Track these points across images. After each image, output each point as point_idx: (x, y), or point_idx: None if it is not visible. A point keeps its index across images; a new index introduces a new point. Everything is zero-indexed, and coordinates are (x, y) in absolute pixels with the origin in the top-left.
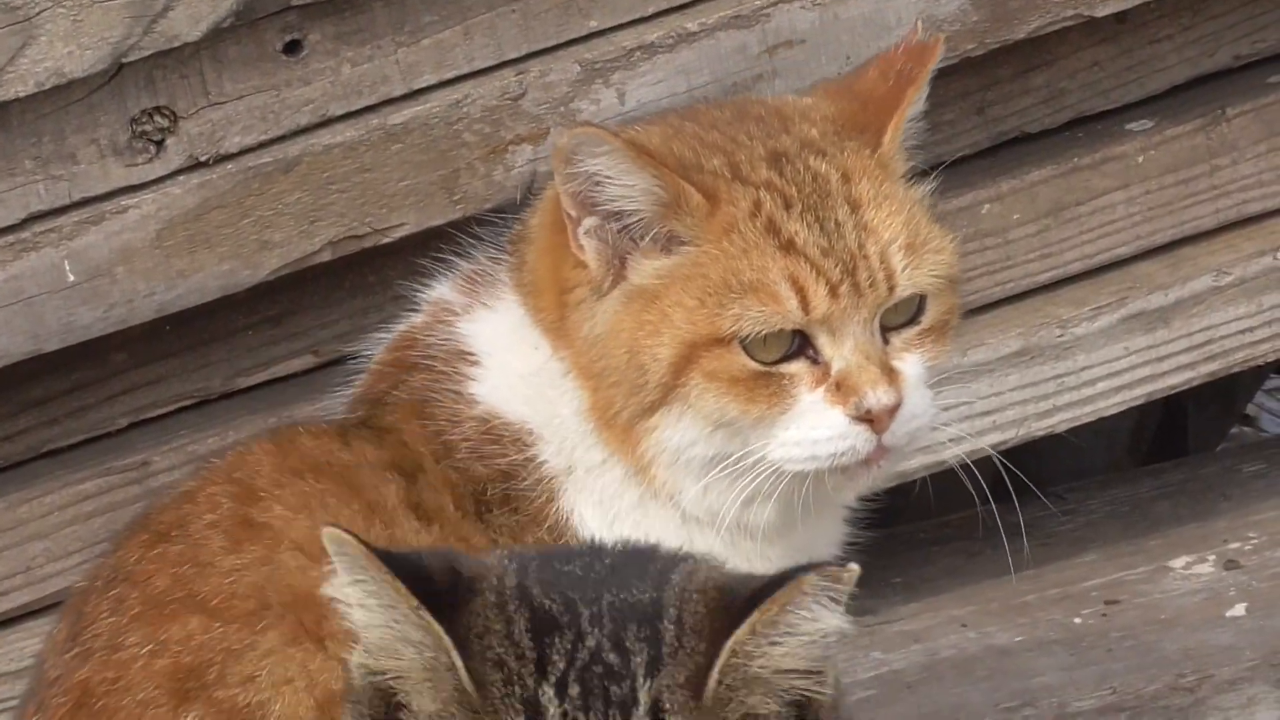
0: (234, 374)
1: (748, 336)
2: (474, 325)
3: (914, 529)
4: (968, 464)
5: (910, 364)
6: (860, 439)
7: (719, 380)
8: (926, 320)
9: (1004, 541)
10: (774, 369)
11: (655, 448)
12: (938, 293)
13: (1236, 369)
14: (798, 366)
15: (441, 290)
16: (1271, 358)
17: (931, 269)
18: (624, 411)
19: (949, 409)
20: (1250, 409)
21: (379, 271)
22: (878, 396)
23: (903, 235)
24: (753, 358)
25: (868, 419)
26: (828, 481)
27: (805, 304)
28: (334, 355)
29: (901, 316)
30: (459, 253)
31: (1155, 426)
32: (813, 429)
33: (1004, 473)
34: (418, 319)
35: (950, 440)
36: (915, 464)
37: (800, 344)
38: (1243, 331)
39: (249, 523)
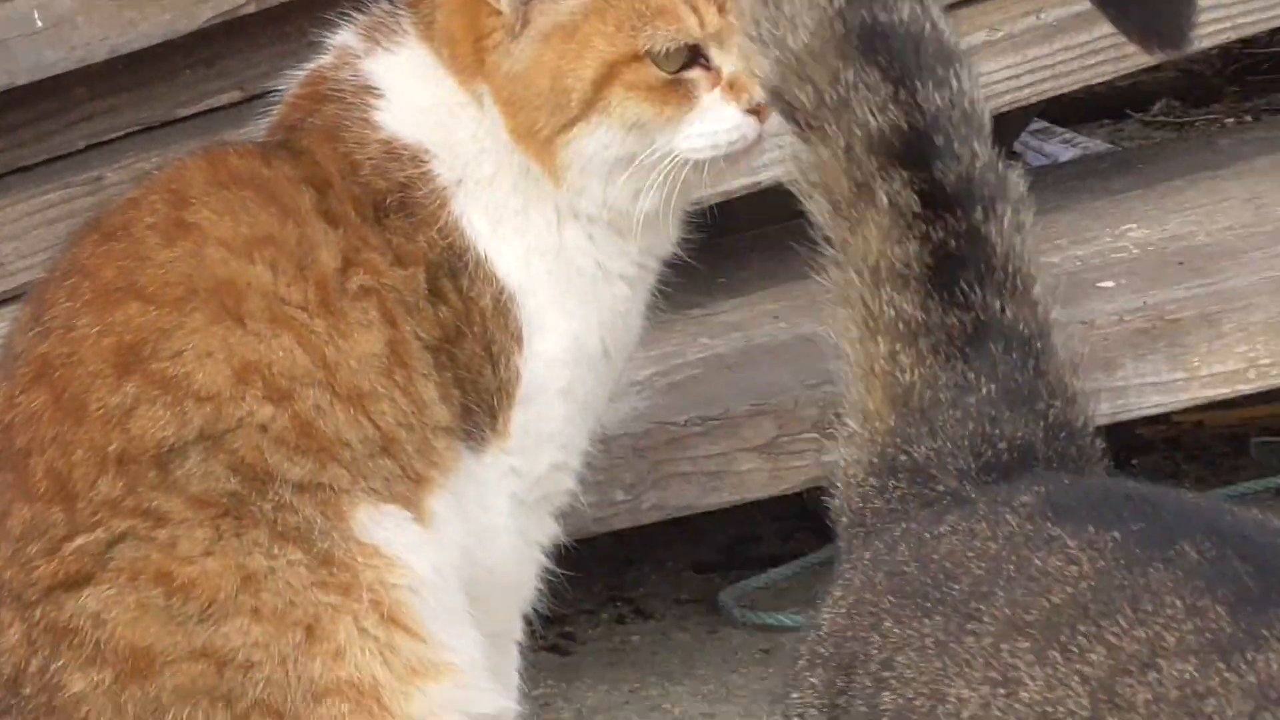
0: (174, 106)
1: (658, 52)
2: (377, 65)
3: (736, 239)
4: (781, 183)
5: None
6: (749, 127)
7: (637, 90)
8: None
9: (811, 248)
10: (679, 76)
11: (572, 155)
12: None
13: (1005, 109)
14: (697, 73)
15: (345, 37)
16: (1034, 100)
17: None
18: (545, 129)
19: None
20: (1017, 147)
21: (295, 23)
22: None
23: None
24: (660, 70)
25: (755, 111)
26: (720, 168)
27: (701, 22)
28: (258, 91)
29: None
30: (360, 9)
31: None
32: (715, 121)
33: None
34: (326, 60)
35: (767, 164)
36: (737, 184)
37: (695, 56)
38: (1010, 79)
39: (181, 224)
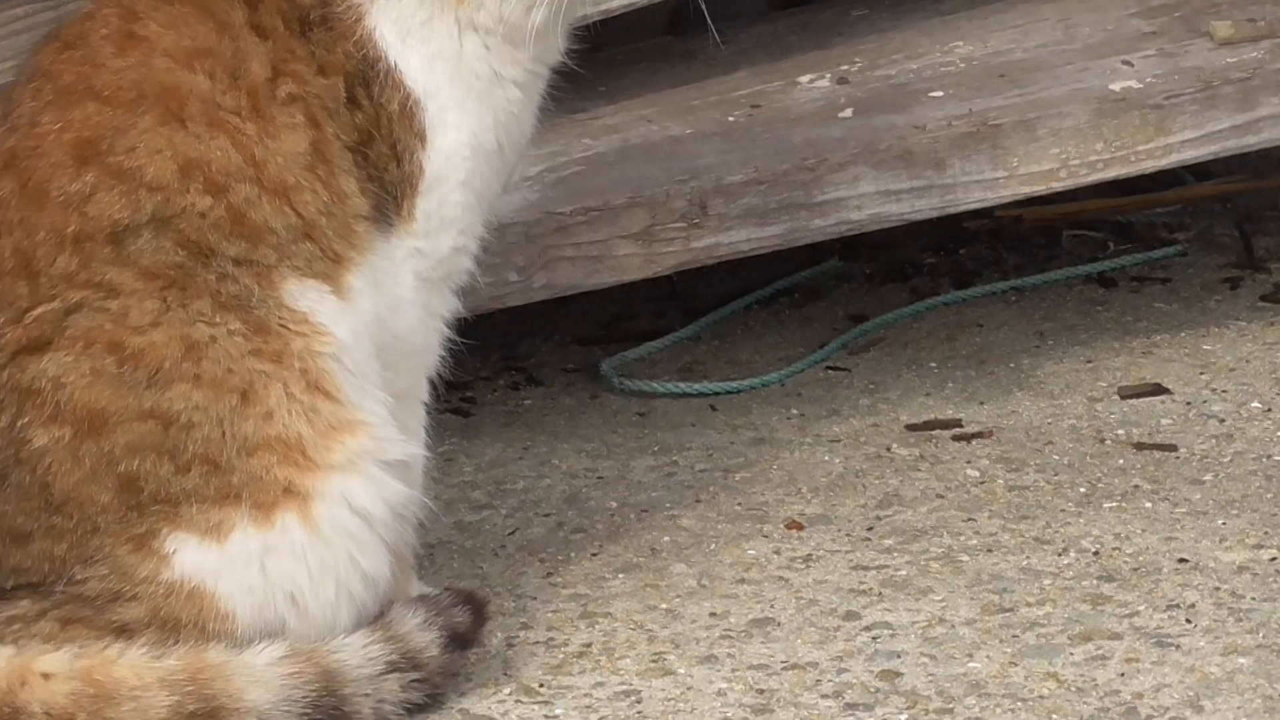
0: None
1: None
2: None
3: (614, 52)
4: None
5: None
6: None
7: None
8: None
9: (680, 61)
10: None
11: None
12: None
13: None
14: None
15: None
16: None
17: None
18: None
19: None
20: None
21: None
22: None
23: None
24: None
25: None
26: None
27: None
28: None
29: None
30: None
31: None
32: None
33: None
34: None
35: None
36: (617, 3)
37: None
38: None
39: (132, 35)
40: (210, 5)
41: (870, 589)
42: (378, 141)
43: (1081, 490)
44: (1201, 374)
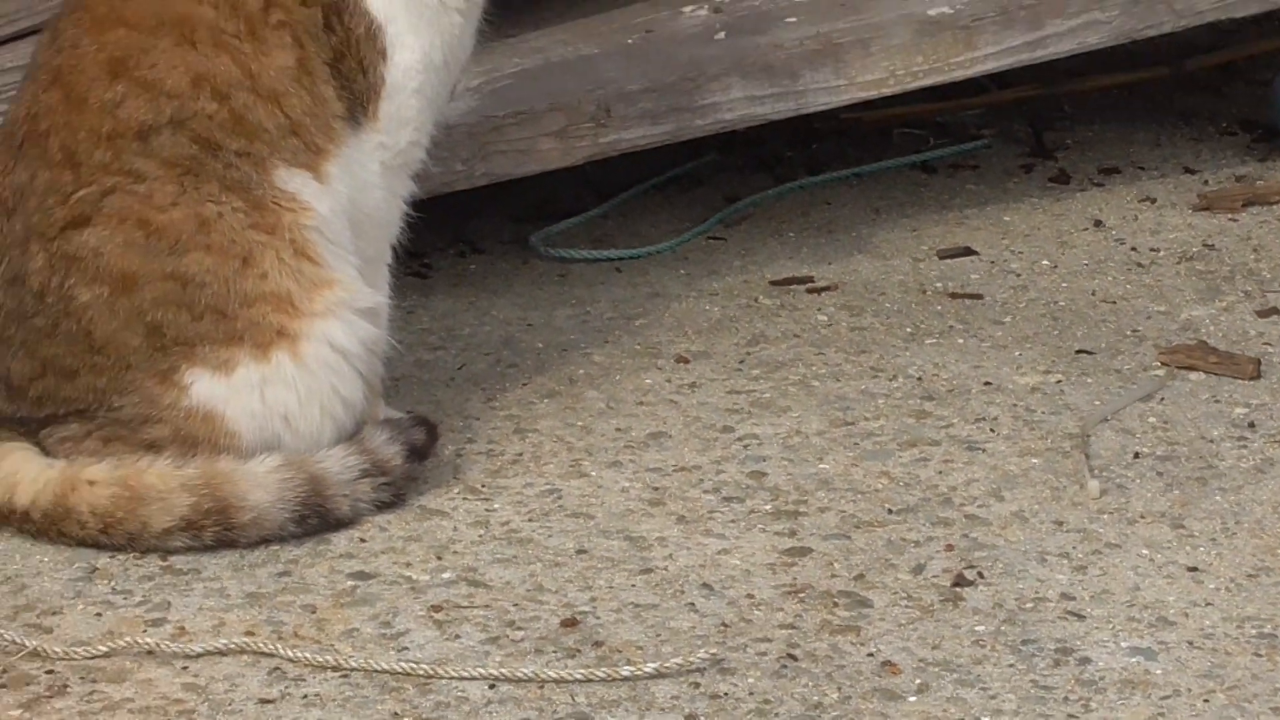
0: None
1: None
2: None
3: None
4: None
5: None
6: None
7: None
8: None
9: None
10: None
11: None
12: None
13: None
14: None
15: None
16: None
17: None
18: None
19: None
20: None
21: None
22: None
23: None
24: None
25: None
26: None
27: None
28: None
29: None
30: None
31: None
32: None
33: None
34: None
35: None
36: None
37: None
38: None
39: None
40: None
41: (741, 408)
42: (348, 58)
43: (908, 330)
44: (1002, 239)
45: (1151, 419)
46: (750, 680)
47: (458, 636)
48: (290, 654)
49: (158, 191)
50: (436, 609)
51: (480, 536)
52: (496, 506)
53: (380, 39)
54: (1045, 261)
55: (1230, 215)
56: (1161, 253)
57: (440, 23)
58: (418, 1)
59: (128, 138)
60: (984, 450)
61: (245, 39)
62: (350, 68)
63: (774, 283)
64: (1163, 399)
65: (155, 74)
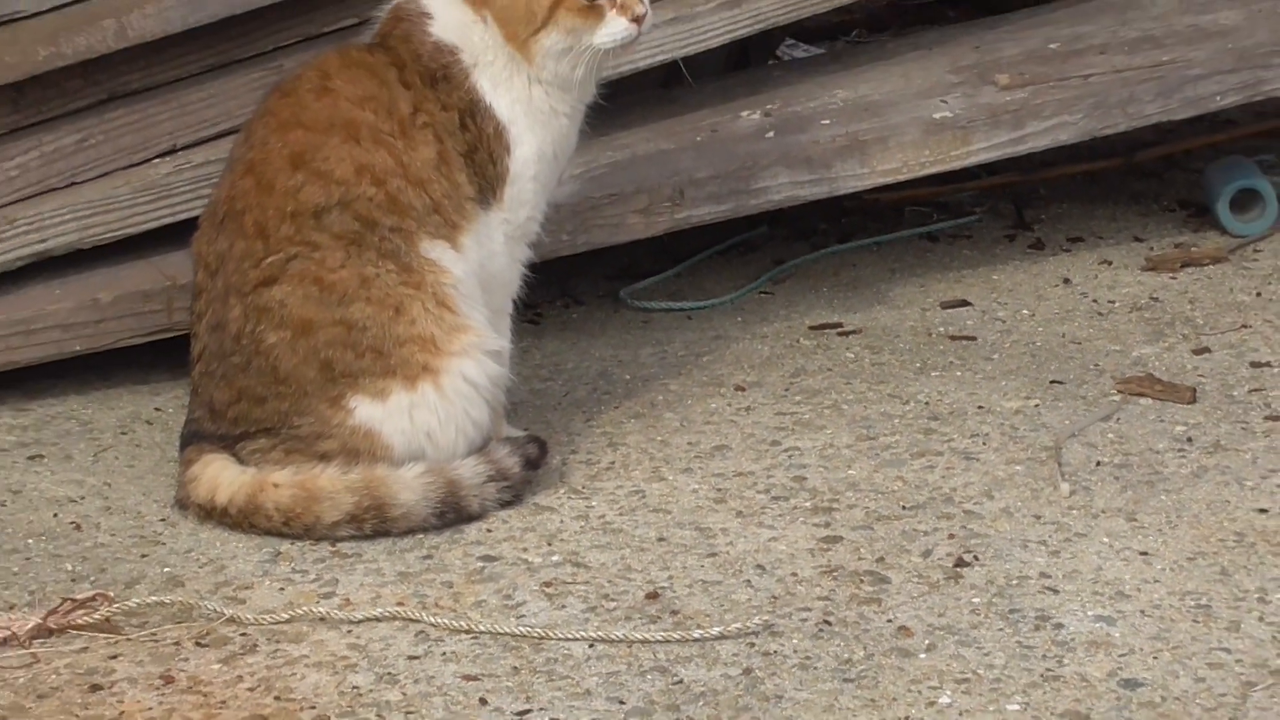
0: (321, 25)
1: None
2: (429, 2)
3: (627, 98)
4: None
5: (645, 3)
6: (633, 31)
7: (571, 11)
8: None
9: (668, 103)
10: (593, 2)
11: (537, 48)
12: None
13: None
14: (604, 1)
15: None
16: (790, 19)
17: None
18: (522, 34)
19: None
20: (779, 52)
21: None
22: (642, 9)
23: None
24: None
25: (636, 20)
26: (612, 56)
27: None
28: (366, 17)
29: None
30: None
31: (738, 54)
32: (613, 26)
33: (673, 71)
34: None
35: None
36: (627, 68)
37: None
38: (751, 18)
39: (326, 88)
40: (374, 68)
41: (787, 427)
42: (480, 151)
43: (917, 365)
44: (991, 293)
45: (1110, 435)
46: (795, 641)
47: (564, 606)
48: (432, 620)
49: (329, 257)
50: (547, 584)
51: (581, 527)
52: (594, 504)
53: (505, 137)
54: (1025, 311)
55: (1171, 274)
56: (1117, 304)
57: (551, 125)
58: (534, 108)
59: (306, 215)
60: (978, 459)
61: (398, 137)
62: (482, 159)
63: (812, 328)
64: (1119, 419)
65: (327, 165)
